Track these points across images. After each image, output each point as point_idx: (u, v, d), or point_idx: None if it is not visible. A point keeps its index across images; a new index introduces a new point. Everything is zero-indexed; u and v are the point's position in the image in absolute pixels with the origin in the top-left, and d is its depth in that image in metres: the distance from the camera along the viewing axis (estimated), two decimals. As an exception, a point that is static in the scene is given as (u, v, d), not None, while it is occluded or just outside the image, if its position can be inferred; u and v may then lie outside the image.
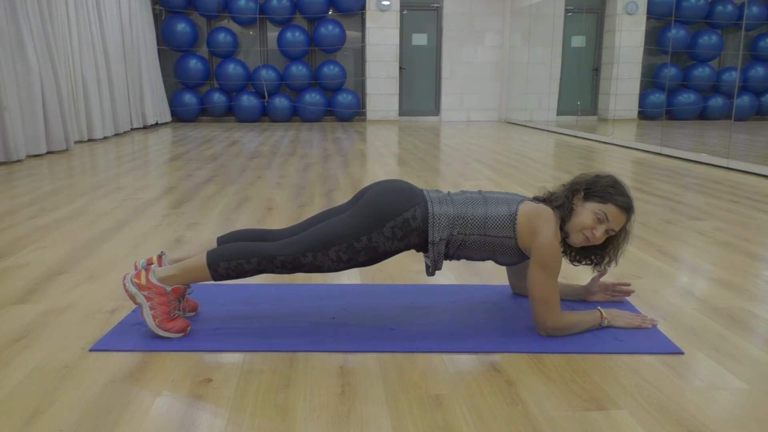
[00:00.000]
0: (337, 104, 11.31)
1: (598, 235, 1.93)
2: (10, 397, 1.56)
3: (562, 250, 2.06)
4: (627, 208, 1.95)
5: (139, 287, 1.88)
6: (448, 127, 10.68)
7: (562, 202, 1.98)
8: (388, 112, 11.79)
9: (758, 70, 8.88)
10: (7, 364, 1.73)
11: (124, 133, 8.90)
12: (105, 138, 8.09)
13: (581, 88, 10.40)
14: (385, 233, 1.88)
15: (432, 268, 1.98)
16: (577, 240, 1.96)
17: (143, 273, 1.90)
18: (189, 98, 10.98)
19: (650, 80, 9.58)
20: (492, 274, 2.55)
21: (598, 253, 2.03)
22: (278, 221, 3.45)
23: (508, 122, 11.95)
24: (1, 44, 5.60)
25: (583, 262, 2.08)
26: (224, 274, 1.90)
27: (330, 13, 11.41)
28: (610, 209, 1.93)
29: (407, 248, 1.94)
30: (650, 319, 2.03)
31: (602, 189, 1.95)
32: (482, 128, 10.53)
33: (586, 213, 1.94)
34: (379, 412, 1.51)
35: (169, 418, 1.47)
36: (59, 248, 2.89)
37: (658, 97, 9.44)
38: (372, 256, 1.91)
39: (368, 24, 11.41)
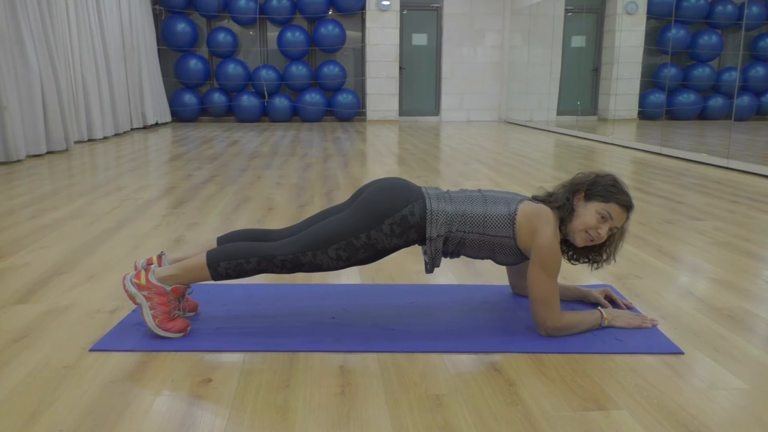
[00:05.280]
0: (337, 104, 11.31)
1: (603, 233, 1.93)
2: (10, 397, 1.56)
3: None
4: (628, 206, 1.95)
5: (139, 287, 1.88)
6: (448, 127, 10.68)
7: (562, 203, 1.98)
8: (388, 112, 11.79)
9: (758, 70, 8.88)
10: (7, 364, 1.73)
11: (124, 133, 8.90)
12: (105, 138, 8.09)
13: (581, 88, 10.40)
14: (383, 230, 1.88)
15: (430, 265, 1.98)
16: (580, 240, 1.96)
17: (143, 273, 1.90)
18: (189, 98, 10.98)
19: (650, 80, 9.58)
20: (492, 274, 2.55)
21: (596, 250, 2.03)
22: (278, 221, 3.45)
23: (508, 122, 11.95)
24: (1, 44, 5.60)
25: (582, 261, 2.08)
26: (224, 274, 1.90)
27: (330, 13, 11.41)
28: (613, 208, 1.93)
29: (406, 245, 1.94)
30: (650, 319, 2.03)
31: (604, 189, 1.95)
32: (482, 128, 10.53)
33: (589, 213, 1.94)
34: (379, 412, 1.51)
35: (169, 418, 1.47)
36: (59, 248, 2.89)
37: (658, 97, 9.44)
38: (371, 254, 1.91)
39: (368, 24, 11.41)
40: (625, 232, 2.01)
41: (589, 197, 1.97)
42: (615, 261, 2.06)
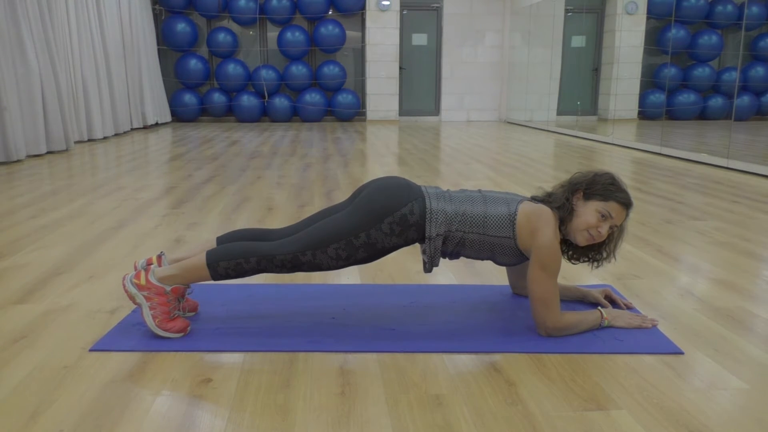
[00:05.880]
0: (337, 104, 11.31)
1: (603, 232, 1.93)
2: (10, 397, 1.56)
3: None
4: (627, 204, 1.96)
5: (139, 287, 1.88)
6: (448, 127, 10.68)
7: (562, 203, 1.98)
8: (388, 112, 11.79)
9: (758, 70, 8.88)
10: (7, 364, 1.73)
11: (124, 133, 8.90)
12: (105, 138, 8.09)
13: (581, 88, 10.40)
14: (383, 229, 1.88)
15: (429, 265, 1.97)
16: (581, 239, 1.96)
17: (143, 273, 1.90)
18: (189, 98, 10.98)
19: (650, 80, 9.58)
20: (492, 274, 2.55)
21: (596, 249, 2.03)
22: (278, 221, 3.45)
23: (508, 122, 11.95)
24: (1, 44, 5.60)
25: (582, 260, 2.08)
26: (224, 274, 1.90)
27: (330, 13, 11.41)
28: (612, 206, 1.93)
29: (406, 244, 1.94)
30: (650, 319, 2.03)
31: (603, 187, 1.96)
32: (482, 128, 10.53)
33: (589, 212, 1.94)
34: (379, 412, 1.51)
35: (169, 418, 1.47)
36: (59, 248, 2.89)
37: (658, 97, 9.44)
38: (371, 253, 1.91)
39: (368, 24, 11.41)
40: (624, 230, 2.01)
41: (588, 196, 1.97)
42: (615, 259, 2.07)
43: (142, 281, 1.89)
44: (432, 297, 2.27)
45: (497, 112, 12.39)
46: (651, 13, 9.36)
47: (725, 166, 5.71)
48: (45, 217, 3.52)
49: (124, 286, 1.90)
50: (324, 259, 1.89)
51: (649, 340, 1.90)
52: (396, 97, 11.75)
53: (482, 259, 2.02)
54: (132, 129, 9.37)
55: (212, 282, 2.17)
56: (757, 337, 1.95)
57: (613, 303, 2.18)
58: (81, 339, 1.90)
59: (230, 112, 11.35)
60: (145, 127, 9.81)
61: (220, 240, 2.09)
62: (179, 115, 11.12)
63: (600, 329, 1.98)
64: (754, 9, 8.11)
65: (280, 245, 1.90)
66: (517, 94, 11.65)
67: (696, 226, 3.40)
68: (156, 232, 3.21)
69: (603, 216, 1.93)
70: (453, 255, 2.00)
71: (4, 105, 5.56)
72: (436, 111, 12.28)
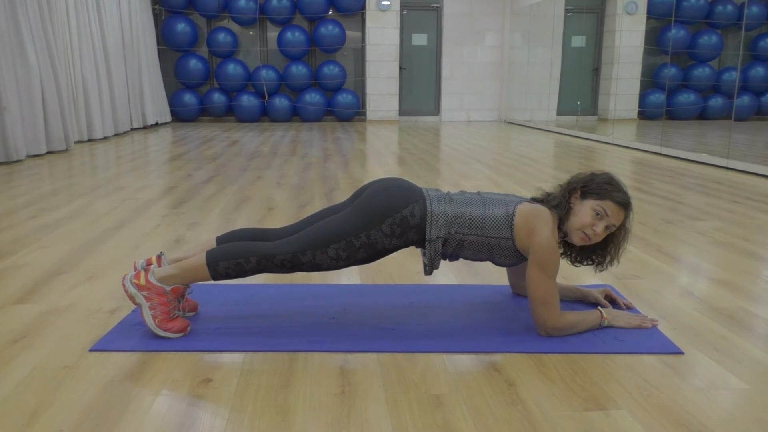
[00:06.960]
0: (337, 104, 11.31)
1: (599, 231, 1.92)
2: (10, 397, 1.56)
3: (562, 251, 2.06)
4: (624, 204, 1.94)
5: (139, 288, 1.88)
6: (448, 127, 10.68)
7: (559, 202, 1.98)
8: (388, 112, 11.79)
9: (758, 70, 8.88)
10: (7, 364, 1.73)
11: (124, 133, 8.90)
12: (105, 138, 8.09)
13: (581, 88, 10.40)
14: (383, 230, 1.88)
15: (429, 267, 1.97)
16: (576, 238, 1.95)
17: (142, 273, 1.90)
18: (189, 98, 10.98)
19: (650, 80, 9.58)
20: (492, 274, 2.55)
21: (599, 252, 2.02)
22: (278, 221, 3.45)
23: (508, 122, 11.95)
24: (1, 44, 5.60)
25: (585, 263, 2.07)
26: (223, 274, 1.90)
27: (330, 13, 11.40)
28: (608, 205, 1.92)
29: (406, 245, 1.94)
30: (650, 319, 2.03)
31: (598, 186, 1.95)
32: (482, 128, 10.53)
33: (584, 210, 1.94)
34: (379, 412, 1.51)
35: (169, 418, 1.47)
36: (59, 248, 2.89)
37: (658, 97, 9.43)
38: (371, 254, 1.91)
39: (368, 24, 11.41)
40: (628, 233, 1.99)
41: (585, 195, 1.97)
42: (618, 262, 2.05)
43: (142, 281, 1.89)
44: (432, 297, 2.27)
45: (497, 112, 12.39)
46: (651, 13, 9.36)
47: (725, 166, 5.71)
48: (45, 217, 3.52)
49: (123, 286, 1.90)
50: (324, 259, 1.89)
51: (649, 340, 1.90)
52: (396, 97, 11.75)
53: (481, 260, 2.02)
54: (132, 129, 9.37)
55: (212, 282, 2.17)
56: (757, 337, 1.95)
57: (613, 303, 2.18)
58: (81, 339, 1.90)
59: (230, 112, 11.35)
60: (145, 127, 9.81)
61: (220, 240, 2.09)
62: (179, 115, 11.12)
63: (600, 329, 1.97)
64: (754, 9, 8.10)
65: (280, 245, 1.90)
66: (517, 94, 11.65)
67: (696, 226, 3.40)
68: (156, 232, 3.21)
69: (598, 214, 1.92)
70: (452, 257, 2.00)
71: (4, 105, 5.56)
72: (436, 111, 12.28)
